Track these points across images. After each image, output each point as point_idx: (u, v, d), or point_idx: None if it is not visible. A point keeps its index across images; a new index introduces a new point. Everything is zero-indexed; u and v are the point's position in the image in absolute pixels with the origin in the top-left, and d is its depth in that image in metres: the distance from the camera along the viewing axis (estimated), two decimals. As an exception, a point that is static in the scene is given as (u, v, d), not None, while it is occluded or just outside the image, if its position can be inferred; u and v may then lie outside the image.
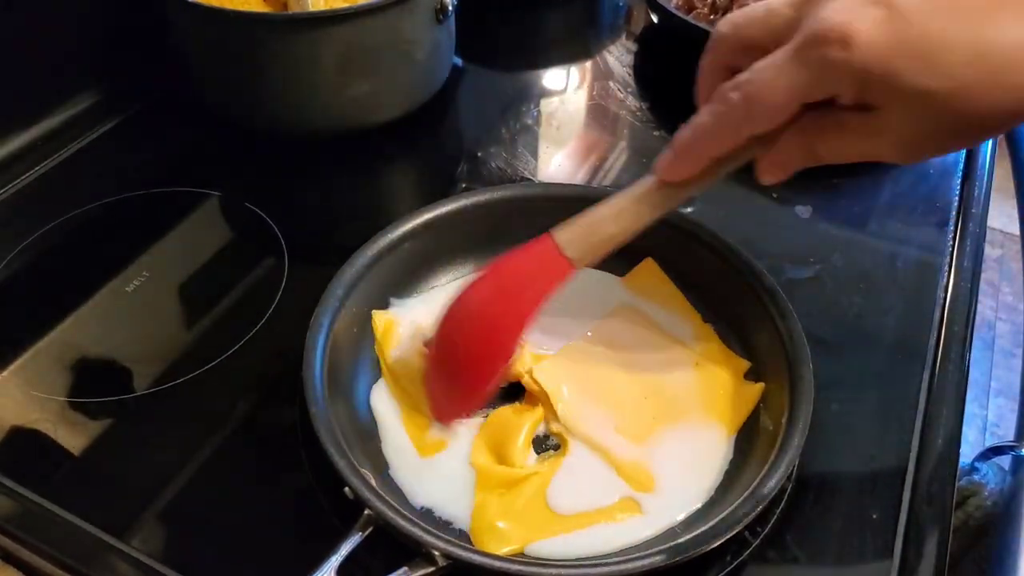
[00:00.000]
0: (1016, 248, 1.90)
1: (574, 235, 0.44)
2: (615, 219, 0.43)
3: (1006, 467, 0.58)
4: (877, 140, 0.36)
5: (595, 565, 0.40)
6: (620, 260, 0.54)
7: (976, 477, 0.57)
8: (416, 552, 0.39)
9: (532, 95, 0.78)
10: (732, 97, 0.36)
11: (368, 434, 0.47)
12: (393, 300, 0.53)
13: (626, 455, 0.46)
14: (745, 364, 0.50)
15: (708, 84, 0.39)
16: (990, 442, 0.59)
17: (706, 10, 0.77)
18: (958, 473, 0.47)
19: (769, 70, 0.35)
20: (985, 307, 1.84)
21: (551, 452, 0.47)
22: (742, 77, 0.36)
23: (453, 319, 0.45)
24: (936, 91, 0.33)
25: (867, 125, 0.35)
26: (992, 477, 0.57)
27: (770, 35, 0.36)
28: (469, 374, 0.45)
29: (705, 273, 0.53)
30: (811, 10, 0.34)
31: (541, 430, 0.48)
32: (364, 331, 0.51)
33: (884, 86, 0.33)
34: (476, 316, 0.45)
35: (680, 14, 0.76)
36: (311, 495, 0.44)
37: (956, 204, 0.64)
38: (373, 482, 0.42)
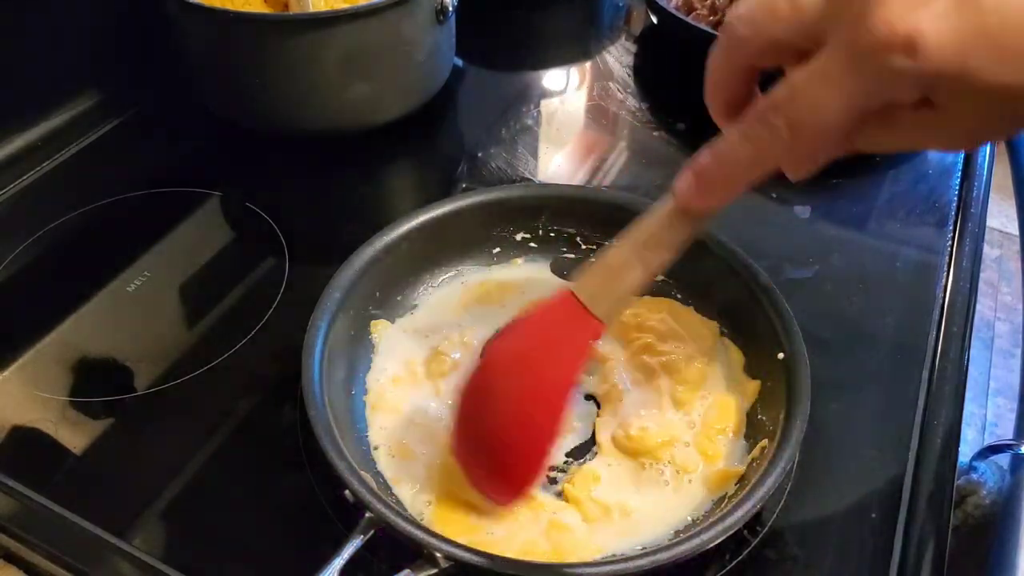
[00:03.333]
0: (1015, 248, 1.90)
1: (597, 288, 0.40)
2: (639, 263, 0.39)
3: (1005, 466, 0.58)
4: (933, 134, 0.32)
5: (595, 565, 0.40)
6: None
7: (975, 476, 0.57)
8: (418, 554, 0.39)
9: (532, 95, 0.78)
10: (775, 124, 0.31)
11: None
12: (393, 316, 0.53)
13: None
14: (740, 357, 0.50)
15: (726, 91, 0.35)
16: (989, 441, 0.59)
17: (706, 11, 0.77)
18: (957, 472, 0.47)
19: (816, 87, 0.30)
20: (984, 307, 1.84)
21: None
22: (781, 95, 0.31)
23: (482, 403, 0.42)
24: (1016, 86, 0.28)
25: (924, 121, 0.31)
26: (991, 476, 0.57)
27: (801, 33, 0.31)
28: (522, 455, 0.42)
29: (701, 272, 0.53)
30: (855, 5, 0.28)
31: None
32: (362, 332, 0.51)
33: (956, 87, 0.29)
34: (515, 399, 0.41)
35: (680, 15, 0.76)
36: (312, 495, 0.44)
37: (955, 204, 0.65)
38: (373, 484, 0.42)
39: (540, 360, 0.41)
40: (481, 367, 0.43)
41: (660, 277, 0.55)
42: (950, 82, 0.28)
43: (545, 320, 0.42)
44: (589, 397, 0.49)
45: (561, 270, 0.57)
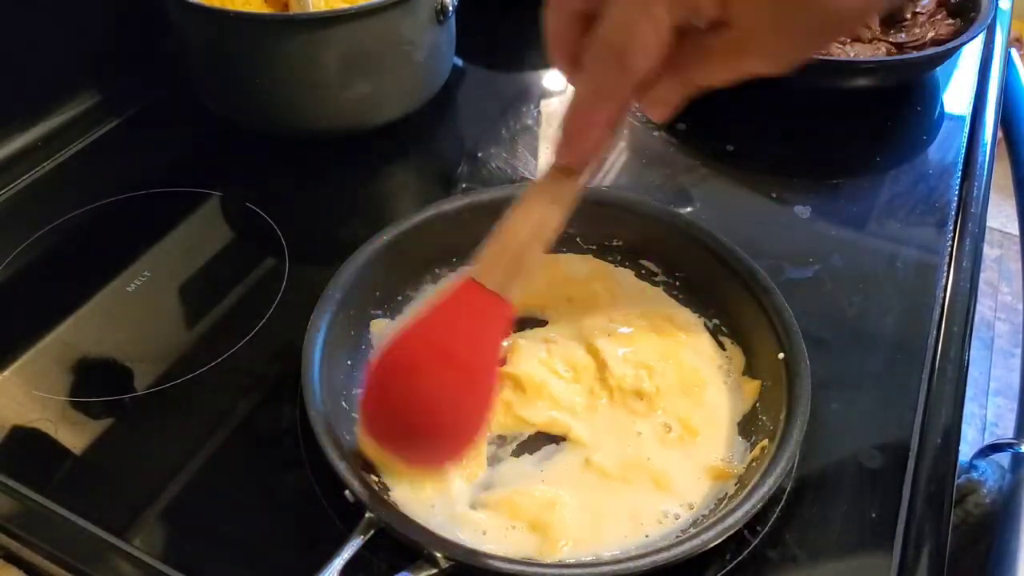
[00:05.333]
0: (1015, 248, 1.90)
1: (499, 273, 0.40)
2: (533, 236, 0.40)
3: (1005, 465, 0.58)
4: (743, 56, 0.34)
5: (595, 565, 0.40)
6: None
7: (975, 475, 0.57)
8: (418, 554, 0.39)
9: (532, 95, 0.78)
10: (603, 55, 0.34)
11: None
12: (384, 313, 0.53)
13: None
14: (740, 357, 0.50)
15: (563, 43, 0.37)
16: (989, 440, 0.59)
17: (705, 10, 0.77)
18: (957, 471, 0.47)
19: (627, 10, 0.33)
20: (984, 307, 1.84)
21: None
22: (601, 27, 0.34)
23: (404, 393, 0.41)
24: None
25: (729, 43, 0.34)
26: (991, 475, 0.57)
27: None
28: (457, 436, 0.42)
29: (702, 272, 0.53)
30: None
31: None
32: (362, 332, 0.51)
33: None
34: (444, 388, 0.41)
35: (679, 14, 0.75)
36: (312, 495, 0.44)
37: (955, 204, 0.65)
38: (374, 483, 0.42)
39: (462, 350, 0.41)
40: (392, 361, 0.42)
41: (661, 278, 0.55)
42: None
43: (456, 310, 0.41)
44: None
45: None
